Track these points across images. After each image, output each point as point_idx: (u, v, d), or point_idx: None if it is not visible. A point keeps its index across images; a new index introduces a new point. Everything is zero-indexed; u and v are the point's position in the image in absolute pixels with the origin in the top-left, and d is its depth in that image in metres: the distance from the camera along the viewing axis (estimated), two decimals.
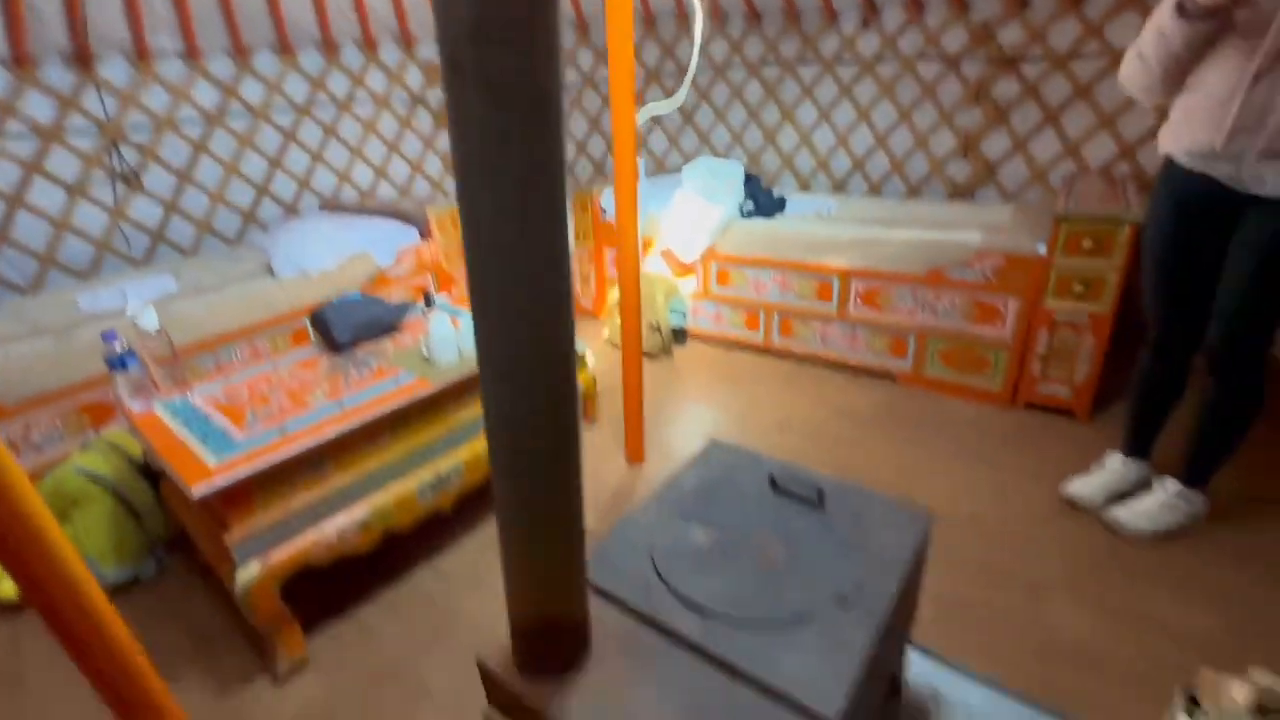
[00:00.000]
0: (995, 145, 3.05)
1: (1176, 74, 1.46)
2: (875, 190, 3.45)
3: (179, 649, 1.63)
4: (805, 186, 3.68)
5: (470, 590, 1.77)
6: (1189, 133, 1.49)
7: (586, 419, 2.59)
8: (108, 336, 1.58)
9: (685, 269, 3.16)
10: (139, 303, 1.62)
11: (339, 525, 1.55)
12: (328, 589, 1.77)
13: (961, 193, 3.20)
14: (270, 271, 2.72)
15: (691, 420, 2.61)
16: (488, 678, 0.93)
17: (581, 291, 3.67)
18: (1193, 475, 1.74)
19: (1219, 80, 1.39)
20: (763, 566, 1.05)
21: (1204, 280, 1.57)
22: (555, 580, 0.83)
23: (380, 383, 1.70)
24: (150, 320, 1.58)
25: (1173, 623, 1.53)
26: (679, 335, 3.26)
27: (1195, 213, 1.55)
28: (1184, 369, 1.73)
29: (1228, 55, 1.38)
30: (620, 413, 2.27)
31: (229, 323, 2.41)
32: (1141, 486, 1.87)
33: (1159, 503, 1.76)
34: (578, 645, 0.90)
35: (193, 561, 1.90)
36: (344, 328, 1.87)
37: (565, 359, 0.72)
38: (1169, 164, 1.58)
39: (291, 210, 3.44)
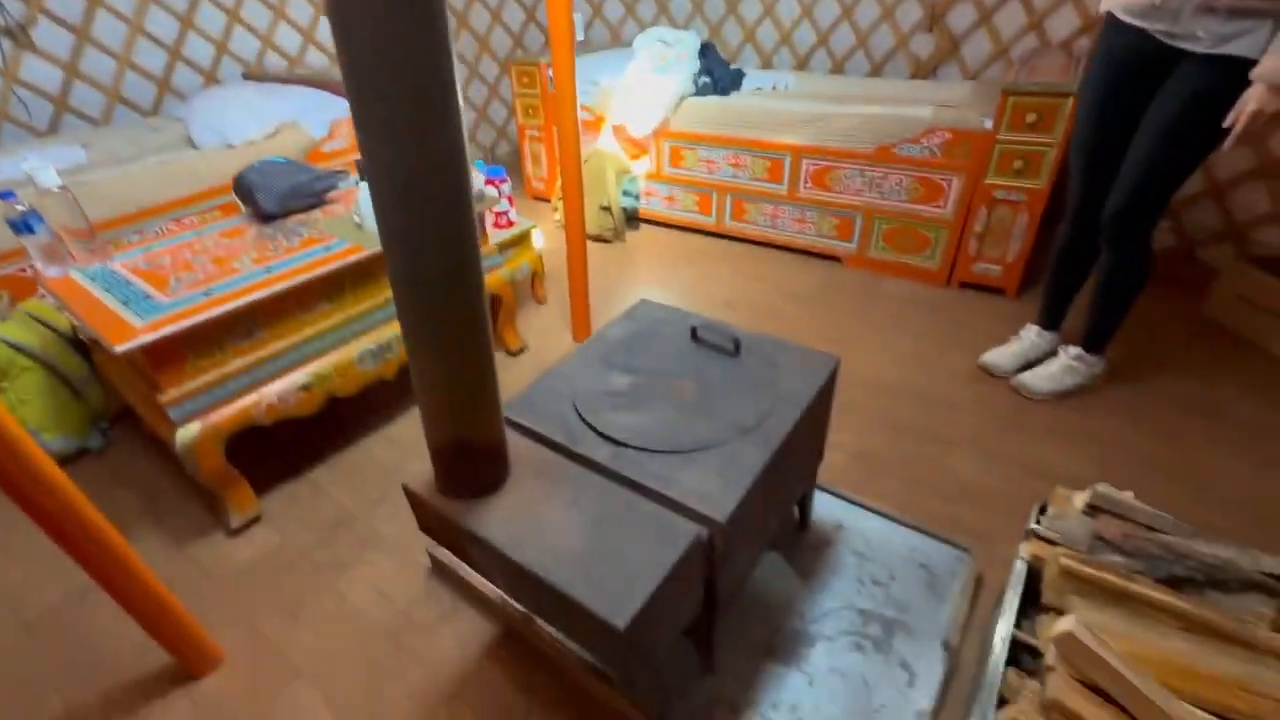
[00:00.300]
0: (961, 18, 2.93)
1: None
2: (839, 69, 3.31)
3: (133, 510, 1.69)
4: (768, 64, 3.51)
5: (419, 457, 1.84)
6: None
7: (535, 300, 2.60)
8: (4, 195, 1.49)
9: (639, 148, 3.06)
10: (39, 162, 1.50)
11: (279, 389, 1.57)
12: (280, 452, 1.82)
13: (924, 71, 3.10)
14: (191, 143, 2.54)
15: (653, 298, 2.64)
16: (413, 499, 1.00)
17: (531, 171, 3.54)
18: (1091, 341, 1.87)
19: None
20: (676, 406, 1.11)
21: (1125, 142, 1.60)
22: (467, 402, 0.88)
23: (311, 250, 1.66)
24: (49, 178, 1.48)
25: (1057, 468, 1.70)
26: (632, 219, 3.21)
27: (1128, 71, 1.55)
28: (1096, 239, 1.81)
29: None
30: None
31: (149, 196, 2.27)
32: (1050, 355, 2.00)
33: (1061, 366, 1.90)
34: (495, 469, 0.97)
35: (139, 435, 1.92)
36: (270, 195, 1.79)
37: (457, 171, 0.71)
38: (1108, 20, 1.56)
39: (211, 79, 3.15)
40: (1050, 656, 0.82)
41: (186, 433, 1.43)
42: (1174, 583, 0.91)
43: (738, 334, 1.25)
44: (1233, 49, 1.35)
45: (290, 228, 1.80)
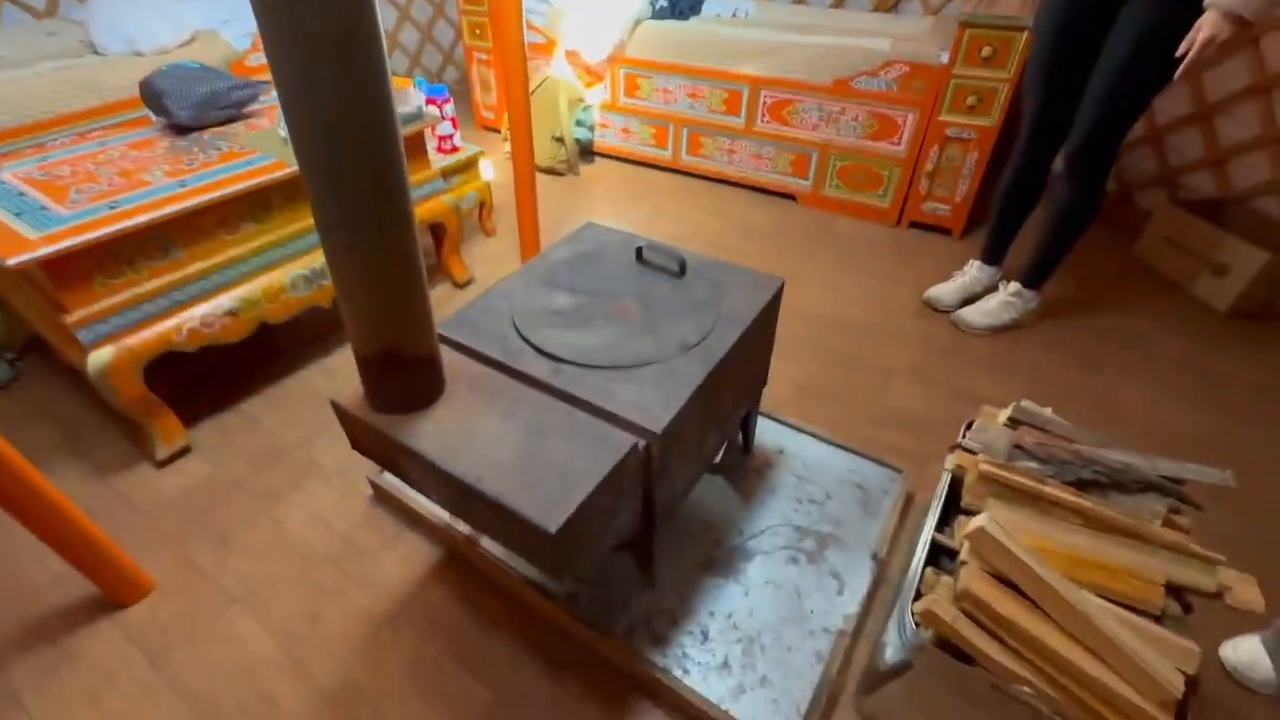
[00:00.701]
0: None
1: None
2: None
3: (49, 443, 1.59)
4: None
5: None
6: None
7: (484, 232, 2.51)
8: None
9: (594, 76, 2.92)
10: None
11: (202, 313, 1.48)
12: (210, 382, 1.74)
13: (886, 4, 3.04)
14: (94, 49, 2.29)
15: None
16: (342, 415, 0.97)
17: (480, 99, 3.36)
18: (1031, 276, 1.93)
19: None
20: (619, 325, 1.10)
21: (1080, 76, 1.60)
22: (392, 307, 0.84)
23: (231, 164, 1.54)
24: None
25: (989, 396, 1.77)
26: (586, 152, 3.10)
27: (1083, 3, 1.54)
28: (1044, 174, 1.84)
29: None
30: None
31: (45, 106, 2.05)
32: (990, 291, 2.06)
33: (999, 302, 1.97)
34: (428, 383, 0.94)
35: (54, 367, 1.80)
36: (183, 102, 1.64)
37: (371, 49, 0.65)
38: None
39: None
40: (964, 551, 0.86)
41: (99, 357, 1.34)
42: (1081, 485, 0.96)
43: (684, 255, 1.23)
44: None
45: (208, 141, 1.66)
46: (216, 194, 1.42)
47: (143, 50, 2.26)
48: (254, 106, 1.84)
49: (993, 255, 2.06)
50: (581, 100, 2.94)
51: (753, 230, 2.57)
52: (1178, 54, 1.36)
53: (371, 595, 1.28)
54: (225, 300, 1.52)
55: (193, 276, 1.46)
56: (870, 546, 1.31)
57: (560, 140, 2.87)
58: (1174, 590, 0.88)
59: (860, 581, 1.25)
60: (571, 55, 2.87)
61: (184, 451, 1.56)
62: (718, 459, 1.43)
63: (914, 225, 2.56)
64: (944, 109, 2.27)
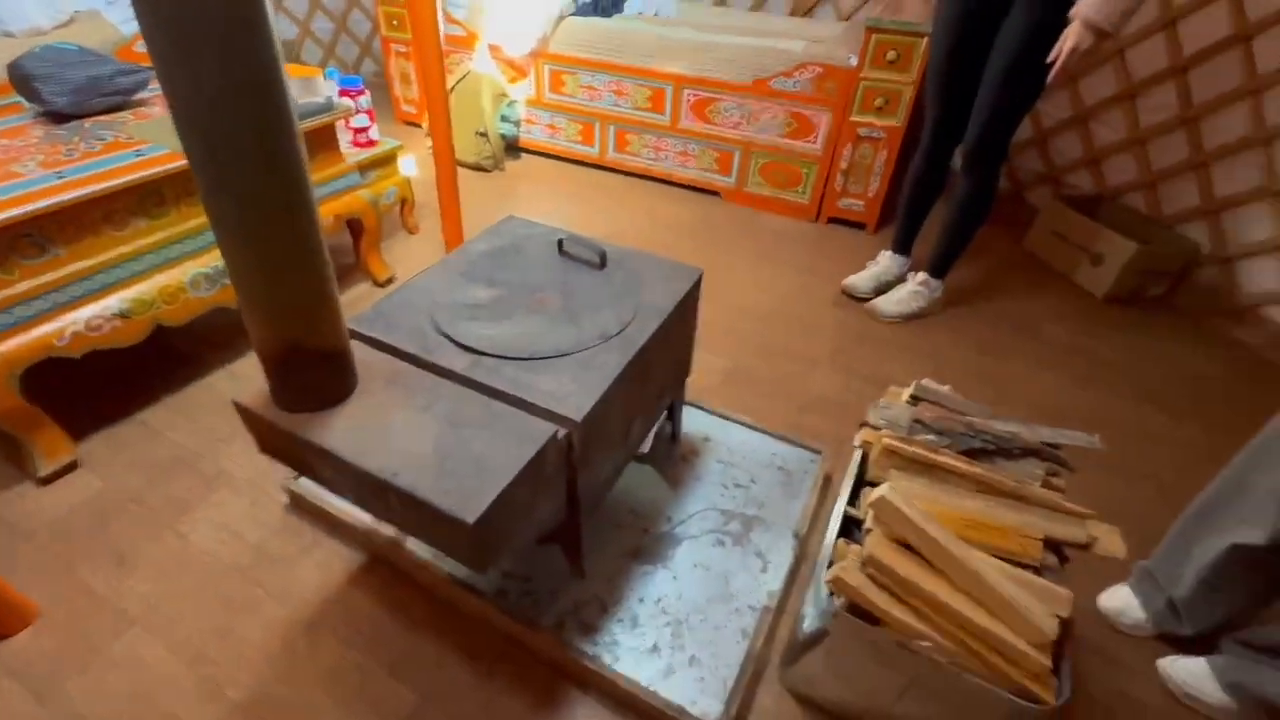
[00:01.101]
0: None
1: None
2: (721, 0, 3.29)
3: None
4: None
5: None
6: None
7: (407, 229, 2.44)
8: None
9: (518, 71, 2.89)
10: None
11: (87, 315, 1.37)
12: (100, 390, 1.61)
13: (801, 9, 3.16)
14: None
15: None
16: (247, 416, 0.92)
17: (400, 92, 3.25)
18: (936, 267, 2.06)
19: None
20: (539, 317, 1.10)
21: (972, 80, 1.73)
22: (294, 300, 0.81)
23: (117, 155, 1.43)
24: None
25: (900, 379, 1.86)
26: (512, 148, 3.06)
27: (973, 9, 1.67)
28: (946, 168, 1.97)
29: None
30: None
31: None
32: (901, 280, 2.19)
33: (908, 291, 2.09)
34: (338, 380, 0.91)
35: None
36: (59, 88, 1.50)
37: (257, 28, 0.63)
38: None
39: None
40: (869, 520, 0.92)
41: None
42: (973, 453, 1.05)
43: (604, 248, 1.24)
44: None
45: (90, 130, 1.54)
46: (98, 187, 1.32)
47: (12, 31, 2.06)
48: (143, 94, 1.72)
49: (902, 246, 2.19)
50: (505, 95, 2.90)
51: (679, 226, 2.62)
52: (1049, 60, 1.50)
53: (288, 605, 1.22)
54: (114, 301, 1.41)
55: (75, 276, 1.35)
56: (792, 525, 1.37)
57: (484, 135, 2.82)
58: (1052, 544, 0.97)
59: (783, 559, 1.31)
60: (494, 49, 2.83)
61: (70, 467, 1.44)
62: (645, 448, 1.46)
63: (832, 220, 2.68)
64: (855, 109, 2.39)
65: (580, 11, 2.86)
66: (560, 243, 1.26)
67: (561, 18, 2.77)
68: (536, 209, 2.69)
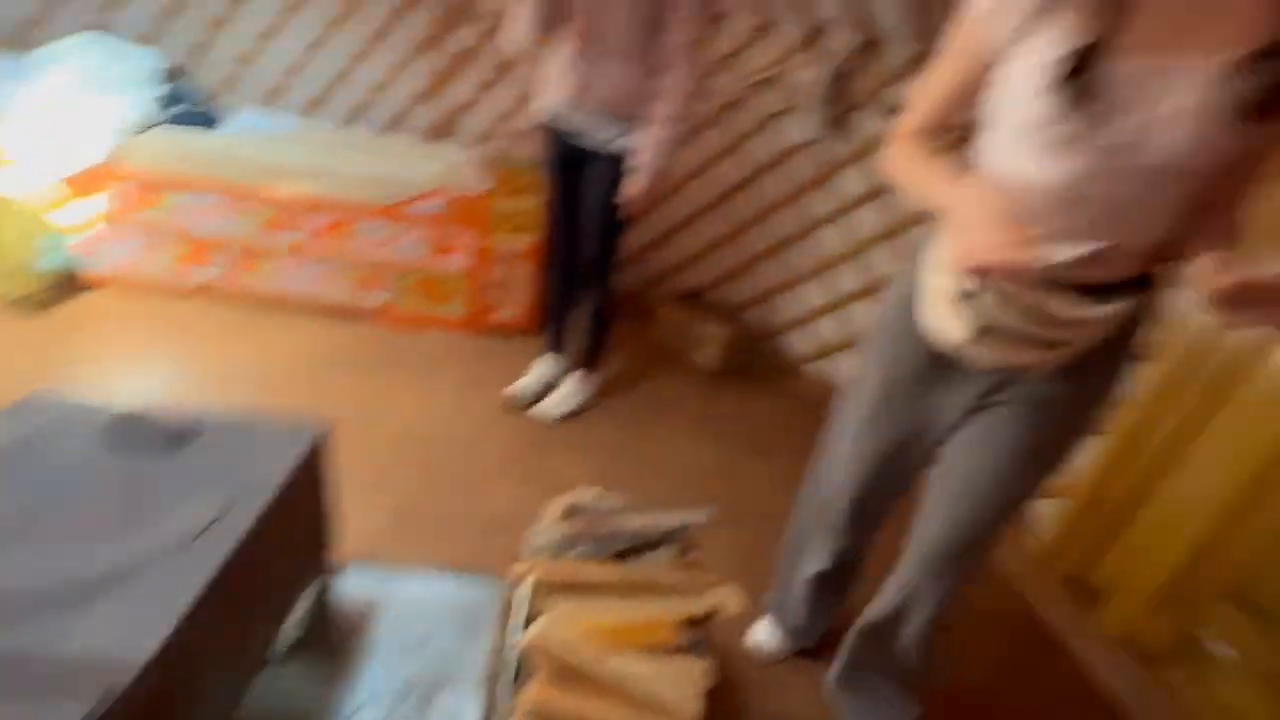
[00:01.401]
0: (459, 91, 3.23)
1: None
2: (349, 120, 3.24)
3: None
4: (272, 103, 3.17)
5: None
6: (550, 92, 1.87)
7: None
8: None
9: (77, 189, 2.31)
10: None
11: None
12: None
13: (437, 134, 3.30)
14: None
15: (90, 393, 1.99)
16: None
17: None
18: (586, 363, 2.30)
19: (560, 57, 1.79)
20: (81, 532, 0.83)
21: (576, 207, 2.03)
22: None
23: None
24: None
25: (573, 478, 1.95)
26: (67, 284, 2.39)
27: (566, 157, 1.98)
28: (574, 279, 2.23)
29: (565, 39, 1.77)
30: None
31: None
32: (562, 378, 2.36)
33: (566, 391, 2.28)
34: None
35: None
36: None
37: None
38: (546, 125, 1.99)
39: None
40: (528, 664, 0.91)
41: None
42: (622, 555, 1.14)
43: (185, 420, 1.03)
44: (615, 147, 1.86)
45: None
46: None
47: None
48: None
49: (555, 345, 2.37)
50: (43, 226, 2.25)
51: (324, 357, 2.38)
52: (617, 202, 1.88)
53: None
54: None
55: None
56: (478, 673, 1.28)
57: (18, 274, 2.15)
58: (693, 621, 1.10)
59: (474, 715, 1.20)
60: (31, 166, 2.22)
61: None
62: (289, 642, 1.21)
63: (489, 331, 2.77)
64: (494, 229, 2.56)
65: (177, 121, 2.49)
66: (116, 421, 1.00)
67: (146, 127, 2.35)
68: (121, 357, 2.15)
